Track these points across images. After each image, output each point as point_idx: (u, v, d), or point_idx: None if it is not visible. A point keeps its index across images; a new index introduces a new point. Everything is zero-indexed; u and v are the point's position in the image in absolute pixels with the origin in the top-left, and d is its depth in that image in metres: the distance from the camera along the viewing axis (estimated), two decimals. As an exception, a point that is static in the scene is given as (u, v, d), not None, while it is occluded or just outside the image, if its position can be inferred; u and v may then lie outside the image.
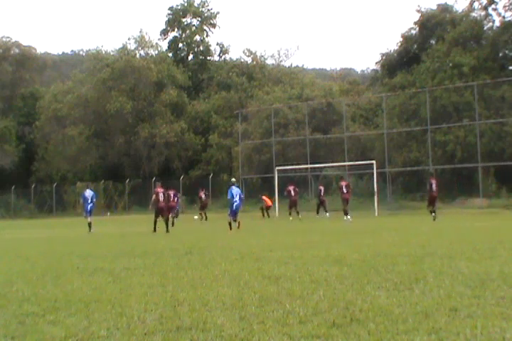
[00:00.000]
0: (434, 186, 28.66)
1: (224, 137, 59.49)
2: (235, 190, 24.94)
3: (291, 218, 34.68)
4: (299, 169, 45.78)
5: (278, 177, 41.76)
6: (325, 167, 46.56)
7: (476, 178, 39.78)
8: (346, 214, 31.23)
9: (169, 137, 60.54)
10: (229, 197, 24.88)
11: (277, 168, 42.48)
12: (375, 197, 37.58)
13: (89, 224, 27.06)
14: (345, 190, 32.36)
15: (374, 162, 38.68)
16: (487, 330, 5.09)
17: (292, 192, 36.26)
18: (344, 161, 44.51)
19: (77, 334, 5.57)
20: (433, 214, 27.86)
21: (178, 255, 13.12)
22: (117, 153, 62.92)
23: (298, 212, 34.80)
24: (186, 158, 62.72)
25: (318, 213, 36.23)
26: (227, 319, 5.92)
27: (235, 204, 24.74)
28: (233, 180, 27.09)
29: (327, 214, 34.72)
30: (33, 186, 63.81)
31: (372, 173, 38.60)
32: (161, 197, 26.03)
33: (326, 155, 49.22)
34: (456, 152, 41.96)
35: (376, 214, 36.35)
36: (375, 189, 37.89)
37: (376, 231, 20.09)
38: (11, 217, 60.00)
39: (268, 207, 39.76)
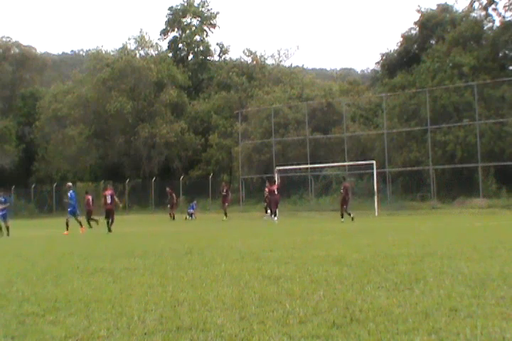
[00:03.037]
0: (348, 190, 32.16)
1: (224, 137, 59.47)
2: (72, 194, 29.09)
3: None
4: (299, 169, 45.80)
5: (278, 177, 41.77)
6: (325, 167, 46.59)
7: (476, 178, 39.79)
8: (276, 214, 33.43)
9: (169, 137, 60.49)
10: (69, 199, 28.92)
11: (277, 168, 42.49)
12: (375, 197, 37.62)
13: (8, 228, 27.42)
14: (276, 192, 34.22)
15: (374, 162, 38.73)
16: (487, 330, 5.09)
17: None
18: (344, 161, 44.53)
19: (77, 334, 5.57)
20: (351, 215, 30.21)
21: (178, 255, 13.12)
22: (117, 153, 62.86)
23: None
24: (186, 158, 62.66)
25: (267, 213, 35.97)
26: (227, 319, 5.92)
27: (74, 206, 28.98)
28: (69, 184, 30.85)
29: (273, 216, 33.83)
30: (33, 186, 63.83)
31: (372, 173, 38.65)
32: (108, 200, 27.19)
33: (326, 155, 49.20)
34: (456, 152, 41.95)
35: (376, 214, 36.38)
36: (375, 189, 37.94)
37: (376, 231, 20.11)
38: (11, 216, 59.72)
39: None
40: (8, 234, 27.04)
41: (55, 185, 61.92)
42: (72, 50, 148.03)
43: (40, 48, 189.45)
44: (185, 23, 73.10)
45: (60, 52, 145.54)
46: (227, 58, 73.99)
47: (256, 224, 31.76)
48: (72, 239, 22.34)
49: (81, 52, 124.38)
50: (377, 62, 59.06)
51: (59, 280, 9.58)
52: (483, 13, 47.33)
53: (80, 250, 15.92)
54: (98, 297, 7.60)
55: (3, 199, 28.81)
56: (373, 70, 66.32)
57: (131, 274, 10.00)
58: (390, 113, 46.96)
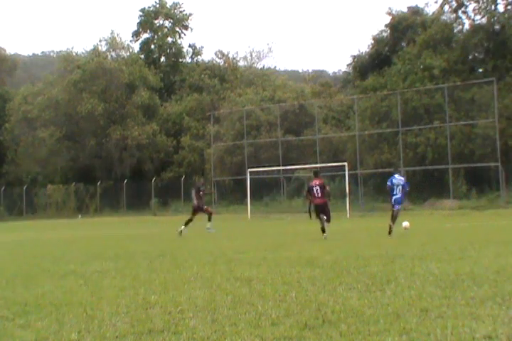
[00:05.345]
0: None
1: (196, 139, 59.35)
2: None
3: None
4: (271, 171, 45.84)
5: (250, 179, 41.78)
6: (297, 169, 46.69)
7: (447, 180, 40.13)
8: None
9: (141, 139, 60.22)
10: None
11: (249, 170, 42.49)
12: (347, 199, 37.74)
13: None
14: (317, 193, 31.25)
15: (346, 164, 38.86)
16: (457, 330, 5.13)
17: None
18: (316, 163, 44.61)
19: (48, 337, 5.52)
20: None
21: (150, 257, 13.07)
22: (88, 155, 62.45)
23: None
24: (158, 160, 62.43)
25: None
26: (200, 321, 5.91)
27: None
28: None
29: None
30: (2, 189, 63.17)
31: (344, 175, 38.79)
32: None
33: (298, 157, 49.30)
34: (427, 154, 42.28)
35: (348, 215, 36.49)
36: (347, 191, 38.06)
37: (348, 233, 20.19)
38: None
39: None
40: None
41: (25, 188, 61.37)
42: (42, 52, 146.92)
43: (10, 49, 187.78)
44: (157, 25, 72.92)
45: (31, 54, 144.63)
46: (200, 60, 73.96)
47: (228, 225, 31.71)
48: (43, 242, 22.13)
49: (51, 54, 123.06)
50: (349, 64, 59.41)
51: (29, 283, 9.49)
52: (453, 15, 47.78)
53: (50, 253, 15.78)
54: (69, 300, 7.54)
55: None
56: (345, 72, 66.65)
57: (102, 277, 9.93)
58: (361, 115, 47.20)
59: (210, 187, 27.21)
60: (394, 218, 18.71)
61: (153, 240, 20.82)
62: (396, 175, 19.61)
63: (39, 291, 8.46)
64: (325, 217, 18.57)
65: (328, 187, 19.43)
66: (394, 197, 19.08)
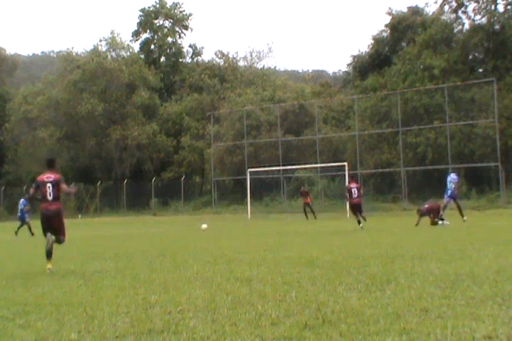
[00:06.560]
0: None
1: (196, 139, 59.35)
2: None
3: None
4: (271, 171, 45.85)
5: (250, 179, 41.77)
6: (297, 169, 46.70)
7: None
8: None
9: (141, 139, 60.25)
10: None
11: (249, 170, 42.48)
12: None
13: None
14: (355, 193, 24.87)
15: (346, 164, 38.82)
16: (457, 330, 5.13)
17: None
18: (316, 163, 44.63)
19: (48, 337, 5.52)
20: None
21: (150, 257, 13.07)
22: (88, 155, 62.51)
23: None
24: (158, 160, 62.48)
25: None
26: (200, 321, 5.91)
27: None
28: None
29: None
30: (2, 189, 63.15)
31: (344, 175, 38.75)
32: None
33: (298, 157, 49.34)
34: (427, 154, 42.29)
35: (348, 215, 36.43)
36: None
37: (348, 233, 20.17)
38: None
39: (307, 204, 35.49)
40: None
41: (25, 188, 61.29)
42: (42, 52, 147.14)
43: (10, 49, 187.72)
44: (157, 25, 72.93)
45: (31, 54, 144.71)
46: (200, 60, 73.92)
47: (228, 225, 31.70)
48: (43, 242, 22.12)
49: (51, 54, 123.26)
50: (349, 64, 59.44)
51: (29, 283, 9.49)
52: (453, 16, 47.81)
53: (50, 253, 15.75)
54: (69, 300, 7.54)
55: None
56: (345, 72, 66.70)
57: (102, 277, 9.93)
58: (361, 115, 47.21)
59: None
60: (444, 208, 23.30)
61: (153, 240, 20.81)
62: (452, 174, 24.58)
63: (39, 291, 8.46)
64: (361, 215, 22.98)
65: (362, 190, 24.29)
66: (449, 192, 23.79)
